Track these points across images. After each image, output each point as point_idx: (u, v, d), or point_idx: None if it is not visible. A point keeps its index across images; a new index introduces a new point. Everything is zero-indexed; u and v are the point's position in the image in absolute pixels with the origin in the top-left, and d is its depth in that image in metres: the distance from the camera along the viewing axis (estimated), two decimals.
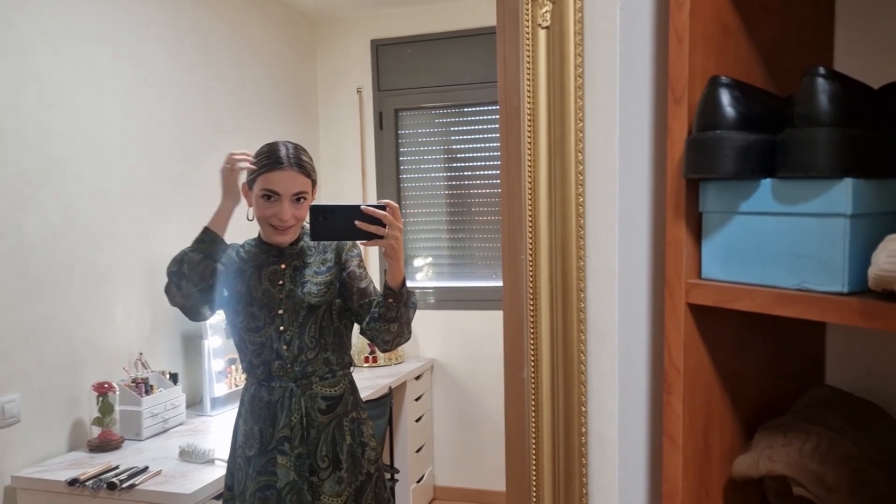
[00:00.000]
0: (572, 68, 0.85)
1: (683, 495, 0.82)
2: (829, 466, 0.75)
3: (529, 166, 0.86)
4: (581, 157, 0.86)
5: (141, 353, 2.58)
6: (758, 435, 0.84)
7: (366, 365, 3.58)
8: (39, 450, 2.21)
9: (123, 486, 1.99)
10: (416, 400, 3.65)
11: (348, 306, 1.80)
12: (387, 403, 2.84)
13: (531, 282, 0.87)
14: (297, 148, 1.78)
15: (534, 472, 0.88)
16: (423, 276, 3.89)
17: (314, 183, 1.81)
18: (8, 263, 2.12)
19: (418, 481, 3.69)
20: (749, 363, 0.89)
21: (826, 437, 0.77)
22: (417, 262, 3.90)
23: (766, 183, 0.73)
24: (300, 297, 1.75)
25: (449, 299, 3.81)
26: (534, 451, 0.88)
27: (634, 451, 0.88)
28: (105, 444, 2.29)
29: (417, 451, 3.68)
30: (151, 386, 2.48)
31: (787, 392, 0.92)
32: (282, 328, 1.76)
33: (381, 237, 1.53)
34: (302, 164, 1.76)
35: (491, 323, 3.67)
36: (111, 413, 2.32)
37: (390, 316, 1.65)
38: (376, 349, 3.60)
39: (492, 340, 3.64)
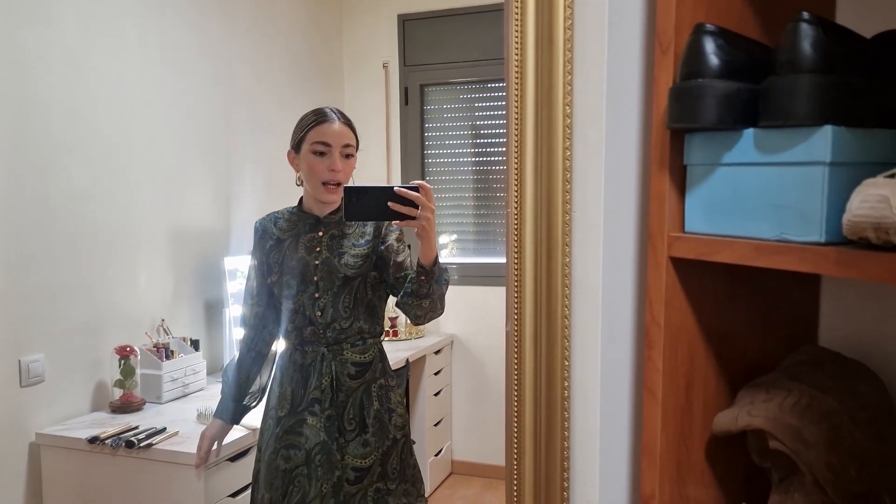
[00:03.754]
0: (561, 20, 0.84)
1: (662, 449, 0.81)
2: (808, 422, 0.74)
3: (516, 119, 0.86)
4: (569, 111, 0.85)
5: (163, 320, 2.63)
6: (741, 392, 0.83)
7: (386, 339, 3.60)
8: (63, 409, 2.28)
9: (141, 444, 2.05)
10: (436, 374, 3.68)
11: (384, 279, 1.83)
12: (403, 375, 2.87)
13: (516, 236, 0.87)
14: (340, 110, 1.91)
15: (516, 427, 0.89)
16: (447, 252, 3.90)
17: (358, 143, 1.89)
18: (34, 228, 2.18)
19: (437, 455, 3.72)
20: (737, 321, 0.88)
21: (807, 394, 0.76)
22: (442, 240, 3.90)
23: (749, 133, 0.72)
24: (336, 266, 1.79)
25: (471, 275, 3.81)
26: (516, 405, 0.88)
27: (617, 405, 0.88)
28: (126, 406, 2.35)
29: (436, 425, 3.71)
30: (172, 351, 2.54)
31: (779, 352, 0.91)
32: (316, 295, 1.80)
33: (414, 218, 1.54)
34: (347, 119, 1.89)
35: None
36: (132, 376, 2.38)
37: (422, 292, 1.67)
38: (396, 323, 3.65)
39: None
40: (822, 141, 0.66)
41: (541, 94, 0.85)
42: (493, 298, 3.75)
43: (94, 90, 2.37)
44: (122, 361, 2.37)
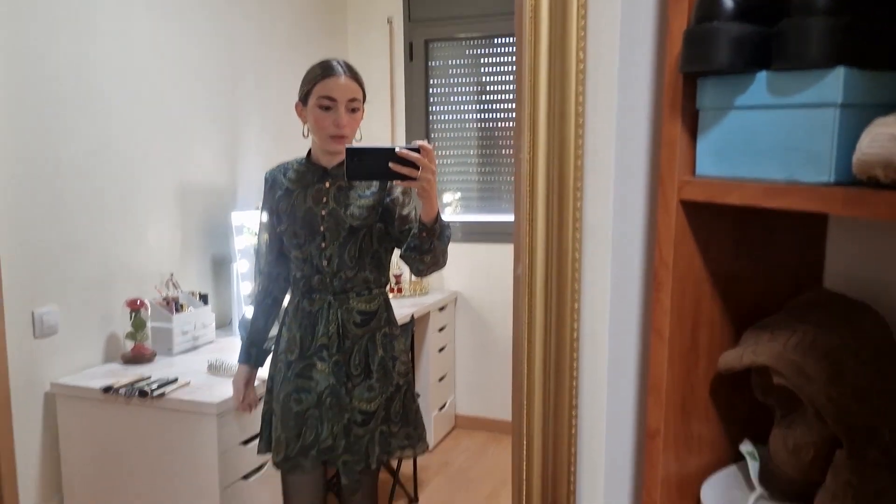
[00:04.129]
0: None
1: (668, 388, 0.84)
2: (811, 358, 0.76)
3: (531, 64, 0.86)
4: (582, 56, 0.86)
5: (172, 274, 2.66)
6: (747, 333, 0.86)
7: (390, 295, 3.64)
8: (77, 360, 2.33)
9: (154, 394, 2.09)
10: (440, 331, 3.72)
11: (389, 231, 1.86)
12: (408, 329, 2.91)
13: (530, 180, 0.89)
14: (347, 62, 1.90)
15: (526, 368, 0.91)
16: (451, 210, 3.91)
17: (364, 95, 1.89)
18: (45, 185, 2.19)
19: (440, 409, 3.79)
20: (744, 265, 0.90)
21: (811, 333, 0.79)
22: (446, 198, 3.91)
23: (762, 76, 0.73)
24: (342, 217, 1.82)
25: (475, 232, 3.83)
26: (527, 348, 0.91)
27: (625, 345, 0.91)
28: (138, 357, 2.39)
29: (440, 381, 3.77)
30: (182, 305, 2.57)
31: (784, 296, 0.93)
32: (323, 245, 1.84)
33: (415, 179, 1.56)
34: (354, 72, 1.88)
35: None
36: (143, 328, 2.42)
37: (424, 248, 1.73)
38: (400, 280, 3.68)
39: None
40: (834, 82, 0.67)
41: (554, 40, 0.86)
42: (497, 255, 3.78)
43: (100, 49, 2.36)
44: (133, 314, 2.40)
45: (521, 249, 0.90)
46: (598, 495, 0.92)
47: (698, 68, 0.75)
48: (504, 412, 3.95)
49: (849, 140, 0.67)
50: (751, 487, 0.83)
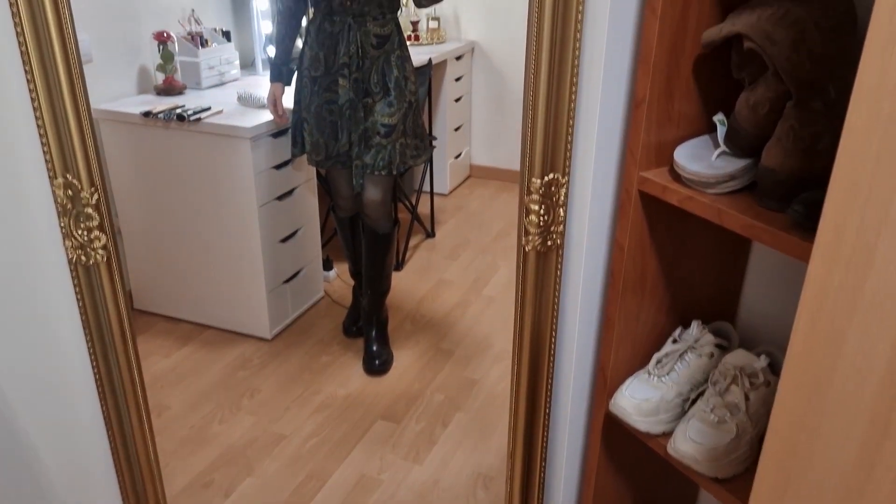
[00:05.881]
0: None
1: (656, 60, 0.97)
2: (779, 27, 0.88)
3: None
4: None
5: (193, 10, 2.70)
6: (731, 14, 0.96)
7: (408, 43, 3.65)
8: (113, 90, 2.47)
9: (191, 118, 2.25)
10: (456, 81, 3.79)
11: None
12: (426, 73, 2.99)
13: None
14: None
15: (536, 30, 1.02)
16: None
17: None
18: None
19: (456, 157, 3.98)
20: None
21: (784, 7, 0.89)
22: None
23: None
24: None
25: None
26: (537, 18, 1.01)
27: (623, 26, 1.01)
28: (170, 89, 2.53)
29: (456, 130, 3.91)
30: (206, 40, 2.65)
31: None
32: None
33: None
34: None
35: None
36: (172, 61, 2.52)
37: None
38: (417, 28, 3.68)
39: None
40: None
41: None
42: (516, 3, 3.72)
43: None
44: (161, 46, 2.49)
45: None
46: (589, 161, 1.08)
47: None
48: (518, 164, 4.13)
49: None
50: (717, 147, 0.99)
